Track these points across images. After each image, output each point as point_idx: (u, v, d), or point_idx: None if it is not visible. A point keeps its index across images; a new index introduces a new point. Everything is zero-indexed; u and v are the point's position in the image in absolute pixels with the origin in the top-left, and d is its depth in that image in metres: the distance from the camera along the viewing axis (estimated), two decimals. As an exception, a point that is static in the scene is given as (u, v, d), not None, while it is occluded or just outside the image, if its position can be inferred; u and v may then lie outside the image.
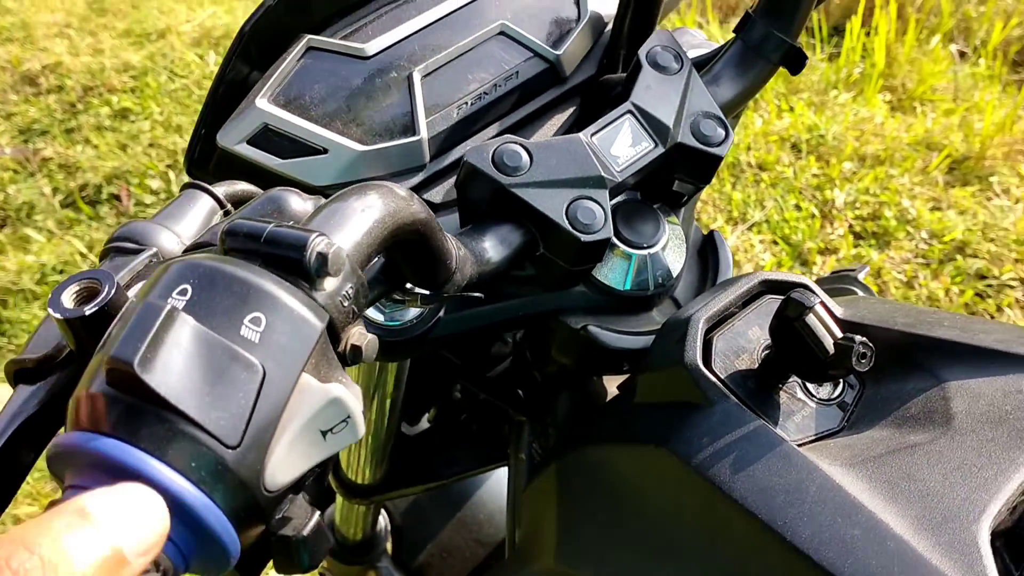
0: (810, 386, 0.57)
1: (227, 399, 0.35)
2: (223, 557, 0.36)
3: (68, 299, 0.40)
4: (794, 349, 0.54)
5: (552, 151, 0.58)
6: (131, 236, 0.49)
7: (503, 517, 1.16)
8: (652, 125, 0.60)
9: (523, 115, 0.69)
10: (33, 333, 0.46)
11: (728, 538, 0.51)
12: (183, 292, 0.37)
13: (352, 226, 0.43)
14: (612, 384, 0.74)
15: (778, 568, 0.48)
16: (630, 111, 0.61)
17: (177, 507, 0.34)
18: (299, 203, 0.49)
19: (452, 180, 0.66)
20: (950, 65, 2.90)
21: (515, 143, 0.58)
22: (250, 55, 0.65)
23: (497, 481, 1.18)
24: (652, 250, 0.64)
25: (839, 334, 0.52)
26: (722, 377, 0.56)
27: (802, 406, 0.56)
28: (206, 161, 0.65)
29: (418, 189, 0.65)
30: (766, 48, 0.65)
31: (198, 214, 0.52)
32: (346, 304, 0.41)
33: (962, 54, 2.98)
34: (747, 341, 0.57)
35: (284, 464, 0.37)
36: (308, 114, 0.63)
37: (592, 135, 0.59)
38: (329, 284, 0.40)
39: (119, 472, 0.34)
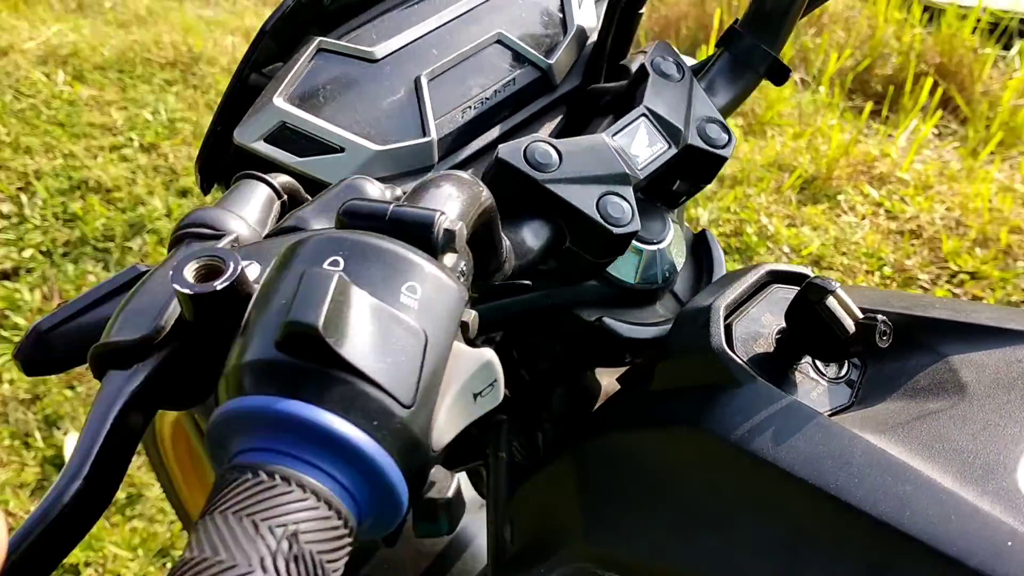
0: (820, 365, 0.61)
1: (399, 361, 0.36)
2: (395, 515, 0.37)
3: (190, 276, 0.40)
4: (811, 331, 0.58)
5: (579, 150, 0.61)
6: (205, 222, 0.49)
7: (441, 527, 1.17)
8: (665, 127, 0.64)
9: (519, 120, 0.72)
10: (114, 319, 0.45)
11: (778, 506, 0.54)
12: (335, 263, 0.38)
13: (450, 210, 0.45)
14: (603, 379, 0.76)
15: (836, 528, 0.51)
16: (644, 114, 0.64)
17: (362, 464, 0.35)
18: (376, 191, 0.50)
19: None
20: (793, 92, 3.10)
21: (544, 142, 0.60)
22: (266, 55, 0.65)
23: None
24: (660, 246, 0.67)
25: (860, 315, 0.57)
26: (744, 360, 0.59)
27: (815, 384, 0.60)
28: (218, 159, 0.64)
29: None
30: (753, 60, 0.70)
31: (258, 202, 0.52)
32: (462, 280, 0.43)
33: (804, 82, 3.19)
34: (761, 326, 0.61)
35: (445, 425, 0.38)
36: (323, 113, 0.64)
37: (613, 135, 0.62)
38: (449, 260, 0.42)
39: (307, 432, 0.34)
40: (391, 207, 0.41)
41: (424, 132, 0.66)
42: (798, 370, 0.61)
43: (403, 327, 0.37)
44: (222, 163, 0.65)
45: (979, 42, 3.18)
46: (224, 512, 0.33)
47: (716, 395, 0.59)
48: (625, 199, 0.60)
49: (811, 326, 0.58)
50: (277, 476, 0.33)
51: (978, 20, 3.23)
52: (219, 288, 0.39)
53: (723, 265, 0.72)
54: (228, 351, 0.41)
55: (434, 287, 0.39)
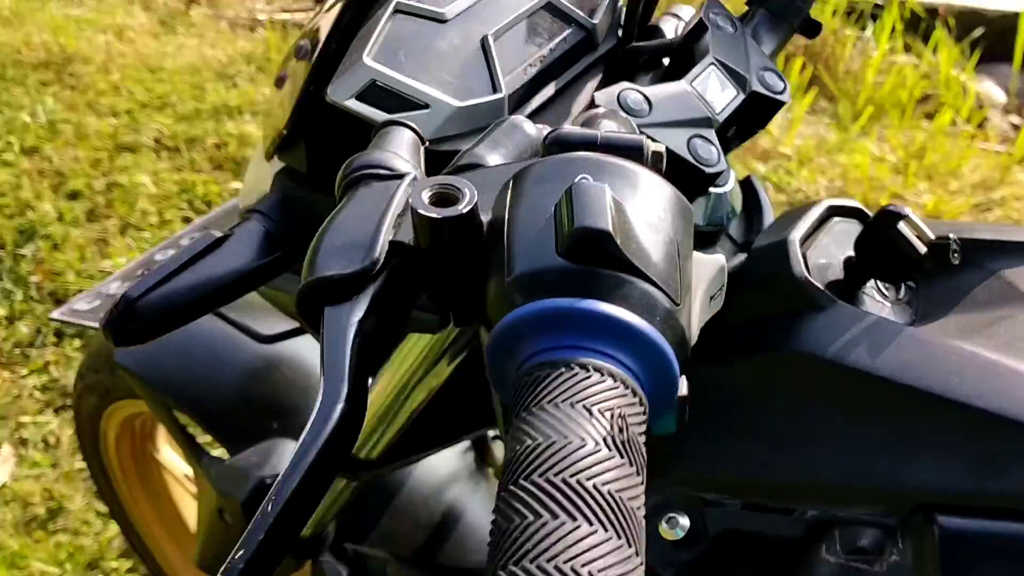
0: (883, 288, 0.67)
1: (666, 264, 0.39)
2: (668, 406, 0.39)
3: (427, 201, 0.42)
4: (882, 255, 0.63)
5: (666, 96, 0.64)
6: (378, 163, 0.50)
7: (438, 500, 1.19)
8: (732, 75, 0.68)
9: (569, 78, 0.75)
10: (311, 260, 0.46)
11: (882, 411, 0.59)
12: (585, 179, 0.40)
13: None
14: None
15: (942, 425, 0.57)
16: (713, 63, 0.68)
17: (653, 356, 0.37)
18: (534, 129, 0.52)
19: None
20: (674, 76, 3.22)
21: (634, 89, 0.63)
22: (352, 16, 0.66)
23: (426, 466, 1.20)
24: (725, 189, 0.71)
25: (932, 236, 0.63)
26: (821, 286, 0.64)
27: (881, 305, 0.66)
28: (310, 118, 0.65)
29: None
30: (788, 14, 0.75)
31: (409, 146, 0.54)
32: None
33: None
34: (830, 256, 0.67)
35: (695, 324, 0.41)
36: (406, 71, 0.65)
37: (690, 83, 0.66)
38: None
39: (607, 327, 0.37)
40: (599, 133, 0.44)
41: (495, 89, 0.68)
42: (864, 293, 0.66)
43: (660, 234, 0.40)
44: (309, 123, 0.65)
45: (839, 24, 3.38)
46: (552, 401, 0.35)
47: (802, 320, 0.63)
48: (711, 142, 0.64)
49: (882, 251, 0.63)
50: (590, 367, 0.36)
51: (837, 4, 3.43)
52: (464, 212, 0.41)
53: (770, 208, 0.77)
54: (457, 273, 0.44)
55: (671, 200, 0.42)
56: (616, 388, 0.36)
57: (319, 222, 0.70)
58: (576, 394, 0.35)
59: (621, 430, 0.35)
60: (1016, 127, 3.38)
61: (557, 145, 0.44)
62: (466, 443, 1.23)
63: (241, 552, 0.36)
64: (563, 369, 0.36)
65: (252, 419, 1.18)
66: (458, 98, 0.66)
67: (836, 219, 0.69)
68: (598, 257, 0.37)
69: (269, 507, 0.37)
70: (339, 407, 0.40)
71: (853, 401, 0.61)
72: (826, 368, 0.61)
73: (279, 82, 0.74)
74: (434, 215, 0.41)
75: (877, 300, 0.66)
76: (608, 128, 0.49)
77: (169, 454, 1.57)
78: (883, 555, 0.59)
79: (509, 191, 0.42)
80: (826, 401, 0.62)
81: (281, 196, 0.70)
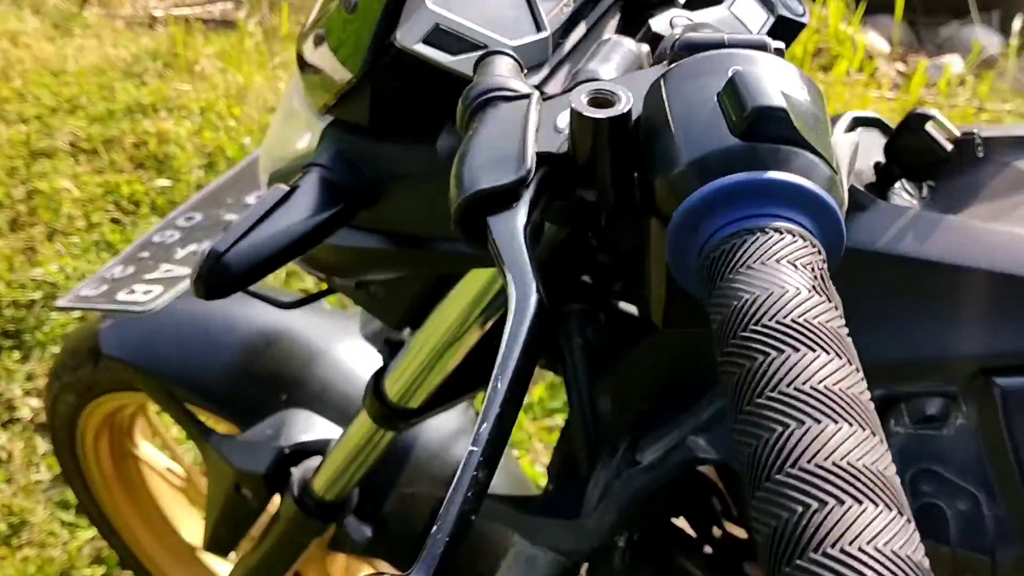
0: (909, 187, 0.73)
1: (822, 137, 0.43)
2: (837, 258, 0.43)
3: (587, 103, 0.45)
4: (911, 156, 0.69)
5: (712, 20, 0.68)
6: (500, 87, 0.53)
7: (448, 454, 1.22)
8: (761, 0, 0.73)
9: (596, 18, 0.78)
10: (458, 178, 0.48)
11: (933, 291, 0.65)
12: (739, 70, 0.44)
13: None
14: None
15: (994, 296, 0.63)
16: None
17: (829, 220, 0.42)
18: (634, 45, 0.56)
19: (565, 71, 0.74)
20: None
21: (684, 15, 0.68)
22: None
23: (433, 425, 1.22)
24: None
25: (958, 134, 0.69)
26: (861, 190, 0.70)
27: (910, 203, 0.72)
28: (379, 62, 0.68)
29: (547, 80, 0.72)
30: None
31: (514, 70, 0.57)
32: None
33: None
34: (860, 162, 0.72)
35: (844, 190, 0.46)
36: (464, 14, 0.68)
37: (729, 8, 0.71)
38: None
39: (790, 196, 0.41)
40: (725, 36, 0.48)
41: (539, 27, 0.71)
42: (894, 193, 0.72)
43: (813, 112, 0.44)
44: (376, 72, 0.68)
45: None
46: (758, 260, 0.39)
47: (847, 220, 0.69)
48: None
49: (913, 151, 0.69)
50: (782, 230, 0.40)
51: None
52: (625, 111, 0.45)
53: None
54: (608, 174, 0.47)
55: (811, 85, 0.46)
56: (806, 246, 0.40)
57: (380, 172, 0.73)
58: (777, 252, 0.39)
59: (822, 279, 0.39)
60: (902, 74, 3.57)
61: (687, 49, 0.48)
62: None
63: (484, 425, 0.39)
64: (758, 234, 0.40)
65: (259, 394, 1.19)
66: (510, 38, 0.70)
67: (860, 129, 0.75)
68: (773, 134, 0.41)
69: (498, 384, 0.40)
70: (533, 297, 0.43)
71: (905, 286, 0.66)
72: (876, 260, 0.66)
73: (318, 41, 0.76)
74: (599, 116, 0.45)
75: (905, 199, 0.72)
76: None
77: (148, 449, 1.56)
78: (948, 420, 0.65)
79: (663, 90, 0.46)
80: (879, 289, 0.67)
81: (338, 149, 0.72)
